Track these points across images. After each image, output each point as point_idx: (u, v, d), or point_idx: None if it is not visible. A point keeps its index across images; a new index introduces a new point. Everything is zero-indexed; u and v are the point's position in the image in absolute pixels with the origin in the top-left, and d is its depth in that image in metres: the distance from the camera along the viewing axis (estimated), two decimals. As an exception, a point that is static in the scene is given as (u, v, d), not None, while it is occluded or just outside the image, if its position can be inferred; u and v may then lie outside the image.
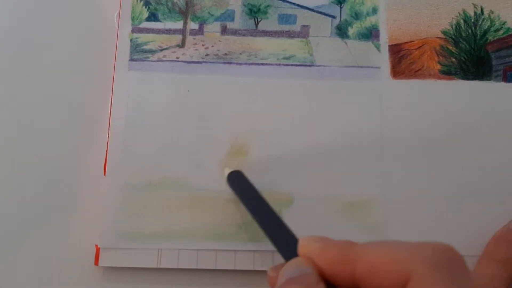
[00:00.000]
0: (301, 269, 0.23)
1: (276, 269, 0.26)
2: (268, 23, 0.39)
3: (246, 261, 0.34)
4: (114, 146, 0.36)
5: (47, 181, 0.36)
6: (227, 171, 0.34)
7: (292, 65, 0.38)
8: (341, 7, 0.39)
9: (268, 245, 0.34)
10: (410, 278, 0.19)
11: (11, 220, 0.35)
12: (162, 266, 0.34)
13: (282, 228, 0.28)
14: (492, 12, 0.39)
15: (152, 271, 0.34)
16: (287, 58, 0.38)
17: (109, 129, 0.36)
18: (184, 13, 0.39)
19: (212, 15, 0.39)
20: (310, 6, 0.39)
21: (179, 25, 0.39)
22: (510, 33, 0.39)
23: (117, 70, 0.37)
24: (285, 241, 0.26)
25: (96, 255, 0.34)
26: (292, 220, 0.34)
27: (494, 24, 0.39)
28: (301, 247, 0.24)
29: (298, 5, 0.39)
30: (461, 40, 0.39)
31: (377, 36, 0.39)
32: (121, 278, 0.34)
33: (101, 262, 0.34)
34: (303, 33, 0.39)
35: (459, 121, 0.37)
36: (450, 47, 0.38)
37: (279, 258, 0.34)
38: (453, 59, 0.38)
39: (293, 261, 0.24)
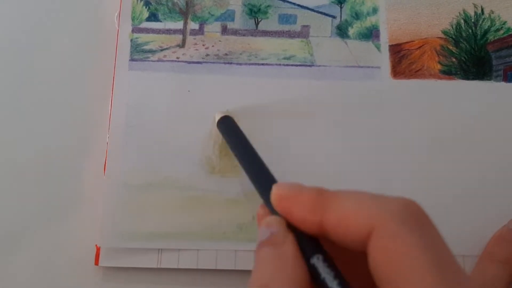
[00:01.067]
0: (270, 230, 0.23)
1: (264, 207, 0.27)
2: (268, 23, 0.39)
3: (247, 261, 0.34)
4: (114, 146, 0.36)
5: (47, 181, 0.36)
6: (218, 116, 0.35)
7: (292, 65, 0.38)
8: (341, 7, 0.39)
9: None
10: (373, 229, 0.20)
11: (11, 220, 0.35)
12: (162, 266, 0.34)
13: (266, 174, 0.28)
14: (492, 12, 0.39)
15: (152, 271, 0.34)
16: (288, 58, 0.38)
17: (109, 129, 0.36)
18: (184, 13, 0.39)
19: (213, 15, 0.39)
20: (310, 6, 0.39)
21: (179, 25, 0.39)
22: (511, 33, 0.39)
23: (118, 70, 0.37)
24: (267, 187, 0.26)
25: (96, 255, 0.34)
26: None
27: (495, 24, 0.39)
28: (274, 194, 0.24)
29: (298, 5, 0.39)
30: (461, 40, 0.39)
31: (377, 36, 0.39)
32: (121, 278, 0.34)
33: (101, 262, 0.34)
34: (303, 33, 0.39)
35: (459, 121, 0.37)
36: (451, 47, 0.38)
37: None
38: (454, 59, 0.38)
39: (263, 222, 0.24)
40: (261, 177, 0.29)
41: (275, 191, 0.24)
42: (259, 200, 0.34)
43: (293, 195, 0.23)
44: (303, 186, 0.24)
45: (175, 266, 0.34)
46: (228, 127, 0.34)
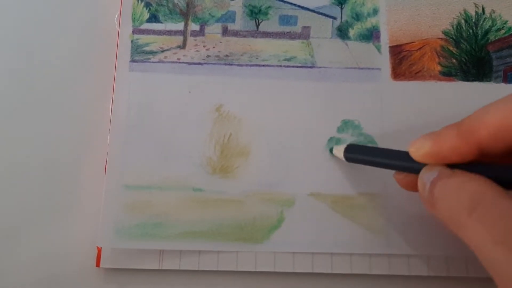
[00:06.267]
0: (435, 171, 0.25)
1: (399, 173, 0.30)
2: (269, 24, 0.39)
3: (248, 262, 0.34)
4: (114, 147, 0.36)
5: (47, 182, 0.36)
6: (339, 148, 0.35)
7: (293, 66, 0.38)
8: (341, 8, 0.39)
9: (270, 247, 0.34)
10: None
11: (11, 221, 0.35)
12: (163, 268, 0.34)
13: (401, 154, 0.30)
14: (493, 11, 0.39)
15: (154, 272, 0.34)
16: (288, 60, 0.38)
17: (110, 130, 0.36)
18: (185, 14, 0.39)
19: (213, 16, 0.39)
20: (310, 7, 0.39)
21: (180, 26, 0.39)
22: (512, 32, 0.39)
23: (118, 71, 0.37)
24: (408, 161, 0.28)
25: (97, 256, 0.34)
26: (293, 220, 0.34)
27: (496, 24, 0.39)
28: (414, 155, 0.27)
29: (299, 6, 0.39)
30: (462, 40, 0.39)
31: (377, 37, 0.39)
32: (122, 280, 0.34)
33: (103, 264, 0.34)
34: (304, 34, 0.39)
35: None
36: (451, 48, 0.38)
37: (281, 260, 0.34)
38: (454, 60, 0.38)
39: (423, 172, 0.26)
40: (400, 159, 0.30)
41: (414, 151, 0.27)
42: (259, 201, 0.35)
43: (437, 143, 0.26)
44: (433, 133, 0.26)
45: (177, 268, 0.34)
46: (355, 151, 0.34)
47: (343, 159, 0.34)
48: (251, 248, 0.34)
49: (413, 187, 0.30)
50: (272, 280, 0.35)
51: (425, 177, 0.26)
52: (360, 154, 0.34)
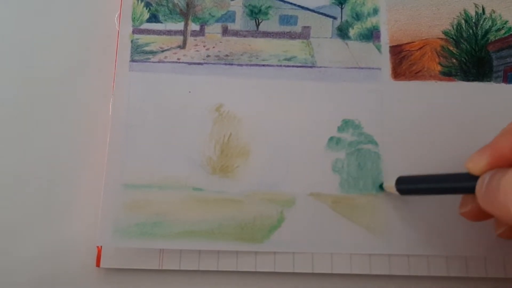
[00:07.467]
0: (495, 169, 0.26)
1: (465, 204, 0.30)
2: (269, 24, 0.39)
3: (248, 262, 0.34)
4: (114, 146, 0.36)
5: (47, 181, 0.36)
6: (389, 184, 0.34)
7: (293, 66, 0.38)
8: (342, 8, 0.39)
9: (270, 247, 0.34)
10: None
11: (11, 221, 0.35)
12: (164, 268, 0.34)
13: (452, 177, 0.30)
14: (493, 11, 0.39)
15: (154, 272, 0.34)
16: (288, 59, 0.38)
17: (109, 129, 0.36)
18: (185, 14, 0.39)
19: (213, 16, 0.39)
20: (311, 7, 0.39)
21: (180, 26, 0.39)
22: (512, 32, 0.39)
23: (118, 71, 0.37)
24: (461, 181, 0.28)
25: (97, 256, 0.34)
26: (293, 220, 0.34)
27: (496, 24, 0.39)
28: (473, 169, 0.27)
29: (299, 6, 0.39)
30: (462, 40, 0.39)
31: (378, 37, 0.39)
32: (122, 280, 0.34)
33: (103, 264, 0.34)
34: (304, 34, 0.39)
35: (460, 122, 0.37)
36: (451, 48, 0.38)
37: (281, 260, 0.34)
38: (454, 60, 0.38)
39: (482, 175, 0.26)
40: (454, 182, 0.30)
41: (473, 167, 0.27)
42: (259, 201, 0.35)
43: (493, 155, 0.26)
44: (485, 147, 0.27)
45: (177, 268, 0.34)
46: (406, 182, 0.34)
47: (396, 193, 0.34)
48: (251, 248, 0.34)
49: (483, 216, 0.29)
50: (272, 280, 0.35)
51: (486, 175, 0.26)
52: (413, 183, 0.33)
